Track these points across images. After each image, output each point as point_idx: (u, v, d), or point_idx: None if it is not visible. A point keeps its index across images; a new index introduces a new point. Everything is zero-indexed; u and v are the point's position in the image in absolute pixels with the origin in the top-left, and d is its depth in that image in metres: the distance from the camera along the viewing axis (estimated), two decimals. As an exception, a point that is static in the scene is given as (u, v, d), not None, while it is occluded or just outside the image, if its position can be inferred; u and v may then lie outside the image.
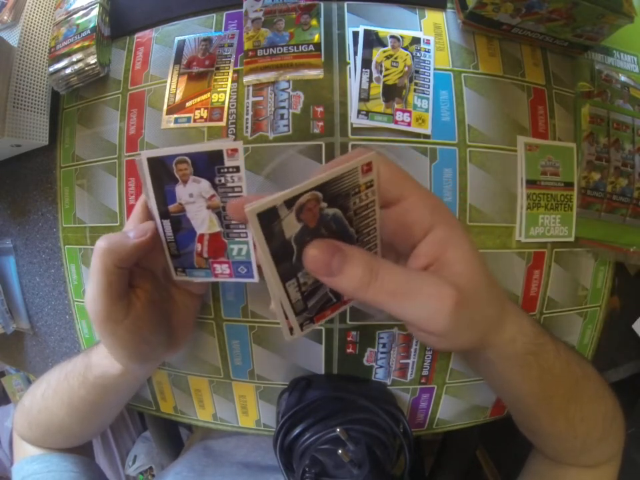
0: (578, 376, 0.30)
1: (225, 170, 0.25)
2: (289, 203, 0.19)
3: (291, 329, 0.24)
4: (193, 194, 0.26)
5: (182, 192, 0.26)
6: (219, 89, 0.37)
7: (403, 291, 0.21)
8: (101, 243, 0.25)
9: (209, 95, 0.37)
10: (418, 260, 0.23)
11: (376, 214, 0.24)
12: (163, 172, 0.26)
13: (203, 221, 0.27)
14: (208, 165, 0.25)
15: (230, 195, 0.26)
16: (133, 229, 0.27)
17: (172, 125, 0.37)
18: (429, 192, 0.24)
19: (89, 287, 0.26)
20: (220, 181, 0.25)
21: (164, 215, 0.27)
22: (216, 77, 0.37)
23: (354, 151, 0.24)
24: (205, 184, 0.26)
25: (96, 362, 0.33)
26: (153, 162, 0.25)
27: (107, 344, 0.29)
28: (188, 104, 0.37)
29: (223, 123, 0.36)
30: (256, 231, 0.19)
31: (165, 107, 0.37)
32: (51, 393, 0.36)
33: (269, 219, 0.19)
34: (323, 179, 0.20)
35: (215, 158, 0.25)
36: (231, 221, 0.27)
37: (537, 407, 0.30)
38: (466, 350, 0.27)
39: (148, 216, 0.28)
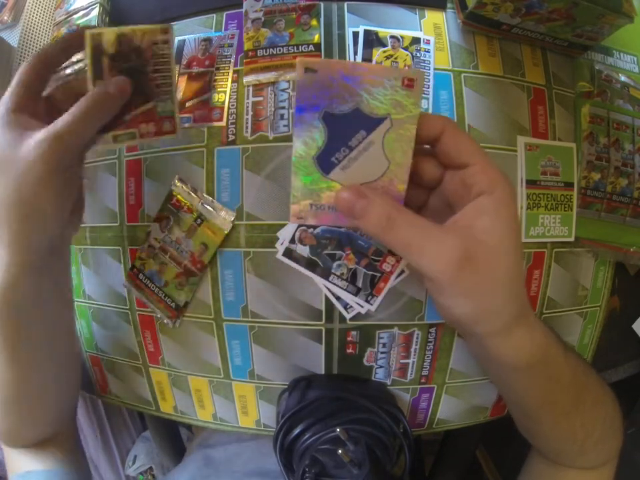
0: (582, 384, 0.30)
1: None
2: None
3: None
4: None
5: None
6: (219, 89, 0.37)
7: (416, 244, 0.23)
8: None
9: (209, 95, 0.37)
10: (456, 220, 0.24)
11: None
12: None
13: None
14: None
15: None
16: None
17: (172, 125, 0.37)
18: (493, 163, 0.24)
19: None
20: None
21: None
22: (216, 77, 0.37)
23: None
24: None
25: None
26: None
27: (31, 191, 0.26)
28: (188, 104, 0.37)
29: (223, 123, 0.36)
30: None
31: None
32: None
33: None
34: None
35: None
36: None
37: (540, 411, 0.30)
38: (461, 322, 0.26)
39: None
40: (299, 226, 0.35)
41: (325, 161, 0.24)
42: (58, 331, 0.35)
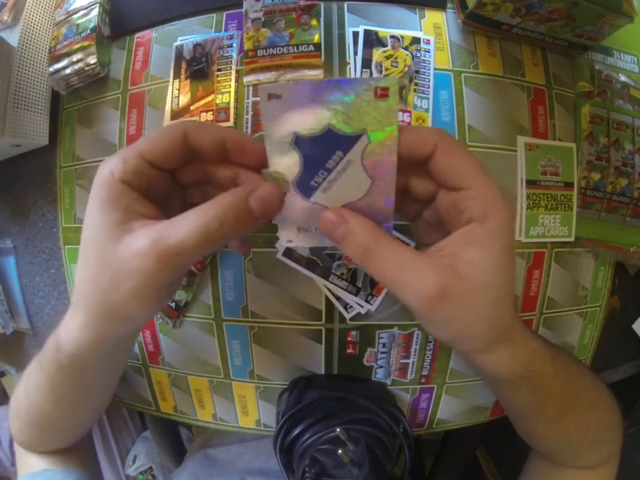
0: (574, 391, 0.30)
1: None
2: None
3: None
4: None
5: None
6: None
7: (392, 276, 0.22)
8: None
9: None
10: (442, 247, 0.23)
11: None
12: None
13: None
14: None
15: None
16: None
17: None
18: (491, 187, 0.22)
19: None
20: None
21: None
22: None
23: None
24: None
25: (65, 336, 0.27)
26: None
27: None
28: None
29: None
30: None
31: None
32: (32, 388, 0.32)
33: None
34: None
35: None
36: None
37: (531, 415, 0.30)
38: (441, 341, 0.26)
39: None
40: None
41: (305, 186, 0.22)
42: (109, 382, 0.35)
